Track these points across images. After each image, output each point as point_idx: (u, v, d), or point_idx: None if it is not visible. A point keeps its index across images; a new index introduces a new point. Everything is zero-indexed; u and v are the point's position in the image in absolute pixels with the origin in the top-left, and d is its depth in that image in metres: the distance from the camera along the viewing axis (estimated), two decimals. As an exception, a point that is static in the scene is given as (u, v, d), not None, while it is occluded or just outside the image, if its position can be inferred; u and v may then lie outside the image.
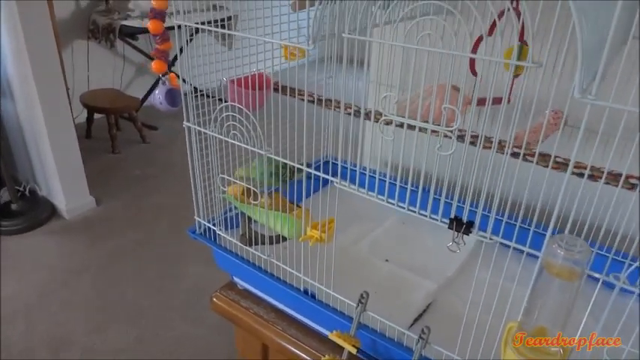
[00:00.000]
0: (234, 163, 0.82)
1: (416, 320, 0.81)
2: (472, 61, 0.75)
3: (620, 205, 0.57)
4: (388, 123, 0.59)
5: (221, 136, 0.77)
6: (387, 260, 0.97)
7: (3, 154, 2.46)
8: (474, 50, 0.70)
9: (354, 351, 0.70)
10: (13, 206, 2.50)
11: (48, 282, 2.16)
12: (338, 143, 0.67)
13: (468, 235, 0.56)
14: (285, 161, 0.73)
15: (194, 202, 0.92)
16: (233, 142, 0.76)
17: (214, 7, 0.72)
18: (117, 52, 3.61)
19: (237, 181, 0.82)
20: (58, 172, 2.48)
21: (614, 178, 0.58)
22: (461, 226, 0.56)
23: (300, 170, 0.73)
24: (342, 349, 0.72)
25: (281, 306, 0.92)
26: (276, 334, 0.91)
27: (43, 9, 2.20)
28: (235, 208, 0.91)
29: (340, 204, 0.89)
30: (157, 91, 0.81)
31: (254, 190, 0.81)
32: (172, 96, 0.82)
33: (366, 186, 0.66)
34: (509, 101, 0.60)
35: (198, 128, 0.81)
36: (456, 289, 0.89)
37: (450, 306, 0.85)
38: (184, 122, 0.83)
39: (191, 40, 0.80)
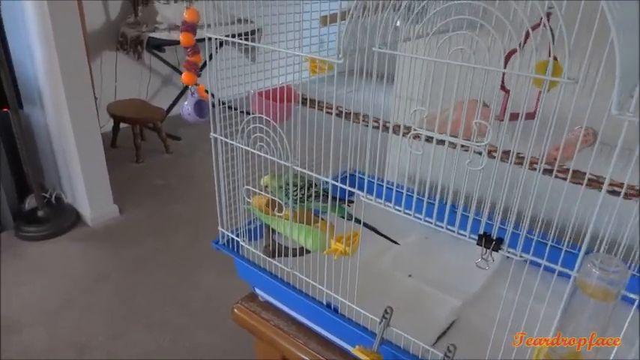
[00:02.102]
0: (259, 174, 0.83)
1: (439, 338, 0.80)
2: (502, 78, 0.75)
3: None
4: (416, 137, 0.59)
5: (248, 148, 0.77)
6: (410, 275, 0.96)
7: (31, 162, 2.52)
8: (505, 65, 0.70)
9: (376, 367, 0.69)
10: (39, 213, 2.55)
11: (71, 288, 2.19)
12: (364, 157, 0.67)
13: (497, 251, 0.55)
14: (310, 174, 0.73)
15: (218, 213, 0.92)
16: (259, 153, 0.76)
17: (239, 20, 0.73)
18: (144, 63, 3.69)
19: (262, 193, 0.82)
20: (83, 181, 2.53)
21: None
22: (490, 242, 0.55)
23: (317, 195, 0.73)
24: (364, 364, 0.71)
25: (302, 319, 0.92)
26: (296, 347, 0.90)
27: (75, 21, 2.27)
28: (258, 219, 0.91)
29: (362, 216, 0.89)
30: (185, 103, 0.82)
31: (278, 202, 0.81)
32: (201, 107, 0.83)
33: (393, 200, 0.66)
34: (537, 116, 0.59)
35: (225, 139, 0.82)
36: (481, 306, 0.87)
37: (474, 324, 0.83)
38: (211, 133, 0.84)
39: (216, 52, 0.82)
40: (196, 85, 0.83)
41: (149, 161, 3.31)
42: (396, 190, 1.02)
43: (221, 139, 0.84)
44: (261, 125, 0.74)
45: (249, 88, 0.84)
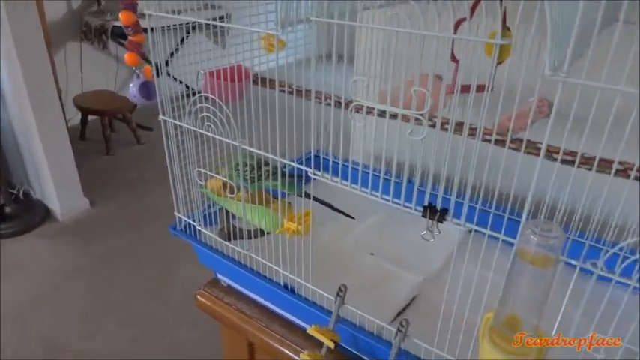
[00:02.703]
0: (210, 156, 0.80)
1: (399, 314, 0.79)
2: (452, 48, 0.74)
3: (596, 191, 0.54)
4: (358, 110, 0.57)
5: (195, 129, 0.75)
6: (372, 254, 0.95)
7: (-5, 158, 2.45)
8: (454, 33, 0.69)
9: (332, 345, 0.68)
10: (7, 209, 2.49)
11: (41, 285, 2.15)
12: (321, 136, 0.65)
13: (442, 222, 0.54)
14: (260, 153, 0.71)
15: (173, 198, 0.90)
16: (207, 134, 0.74)
17: (208, 5, 0.69)
18: (110, 53, 3.60)
19: (214, 175, 0.80)
20: (51, 175, 2.47)
21: (586, 161, 0.56)
22: (434, 213, 0.54)
23: (275, 172, 0.71)
24: (323, 344, 0.71)
25: (264, 302, 0.90)
26: (259, 330, 0.89)
27: (32, 12, 2.19)
28: (215, 203, 0.89)
29: (326, 198, 0.88)
30: (131, 85, 0.79)
31: (231, 184, 0.79)
32: (147, 89, 0.80)
33: (349, 179, 0.64)
34: (492, 89, 0.58)
35: (174, 122, 0.80)
36: (441, 282, 0.87)
37: (433, 299, 0.83)
38: (160, 116, 0.82)
39: (187, 37, 0.78)
40: (142, 65, 0.80)
41: (120, 153, 3.25)
42: (353, 169, 1.01)
43: (170, 122, 0.81)
44: (207, 105, 0.72)
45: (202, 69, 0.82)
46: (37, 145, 2.41)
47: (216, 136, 0.73)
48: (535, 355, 0.50)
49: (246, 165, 0.78)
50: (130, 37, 0.77)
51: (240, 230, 0.82)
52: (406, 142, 0.53)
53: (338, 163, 0.64)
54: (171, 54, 3.07)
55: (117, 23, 3.15)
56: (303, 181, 0.76)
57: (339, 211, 0.86)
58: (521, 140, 0.67)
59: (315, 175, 0.65)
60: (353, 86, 0.55)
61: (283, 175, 0.79)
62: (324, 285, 0.74)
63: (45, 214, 2.57)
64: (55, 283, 2.16)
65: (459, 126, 0.54)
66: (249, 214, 0.79)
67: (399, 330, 0.64)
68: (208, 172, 0.80)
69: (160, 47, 0.76)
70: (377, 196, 0.59)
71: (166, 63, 0.81)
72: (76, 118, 3.31)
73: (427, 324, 0.68)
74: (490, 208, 0.53)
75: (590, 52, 0.44)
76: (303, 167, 0.70)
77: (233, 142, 0.71)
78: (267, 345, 0.88)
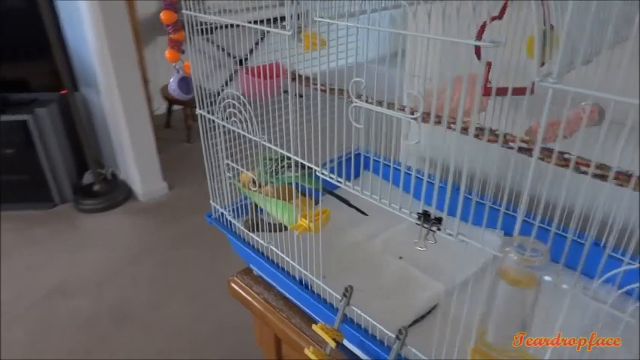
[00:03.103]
0: (242, 150, 0.83)
1: (416, 321, 0.78)
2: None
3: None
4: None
5: (224, 123, 0.78)
6: (400, 257, 0.94)
7: (89, 140, 2.70)
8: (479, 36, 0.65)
9: (333, 344, 0.68)
10: (95, 187, 2.74)
11: (119, 258, 2.35)
12: (369, 136, 0.64)
13: (438, 230, 0.52)
14: (278, 149, 0.73)
15: (209, 188, 0.94)
16: (232, 127, 0.77)
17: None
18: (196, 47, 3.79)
19: (241, 169, 0.83)
20: (134, 159, 2.68)
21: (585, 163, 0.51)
22: (429, 221, 0.52)
23: (290, 166, 0.72)
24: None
25: (289, 295, 0.92)
26: (282, 322, 0.91)
27: (122, 9, 2.38)
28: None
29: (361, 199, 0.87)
30: (171, 80, 0.84)
31: (255, 178, 0.82)
32: (186, 84, 0.85)
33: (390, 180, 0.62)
34: (532, 92, 0.55)
35: (208, 115, 0.84)
36: (464, 295, 0.83)
37: (454, 311, 0.79)
38: (197, 110, 0.86)
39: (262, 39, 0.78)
40: (181, 62, 0.85)
41: (200, 141, 3.43)
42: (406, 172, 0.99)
43: (206, 116, 0.85)
44: (232, 101, 0.75)
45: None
46: (123, 131, 2.63)
47: (239, 130, 0.75)
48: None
49: (271, 159, 0.80)
50: (170, 35, 0.82)
51: (265, 223, 0.85)
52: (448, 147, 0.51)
53: (389, 166, 0.63)
54: (251, 51, 3.19)
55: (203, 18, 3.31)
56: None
57: (354, 207, 0.86)
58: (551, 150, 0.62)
59: (344, 185, 0.64)
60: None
61: (302, 167, 0.79)
62: (347, 283, 0.74)
63: (128, 193, 2.80)
64: (131, 257, 2.35)
65: (485, 132, 0.51)
66: (273, 207, 0.81)
67: (397, 337, 0.63)
68: (236, 166, 0.83)
69: (195, 45, 0.80)
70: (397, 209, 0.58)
71: (245, 59, 0.83)
72: (162, 107, 3.55)
73: (442, 334, 0.66)
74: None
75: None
76: (311, 165, 0.70)
77: (254, 138, 0.73)
78: (287, 337, 0.90)
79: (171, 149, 3.25)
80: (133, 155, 2.67)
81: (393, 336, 0.64)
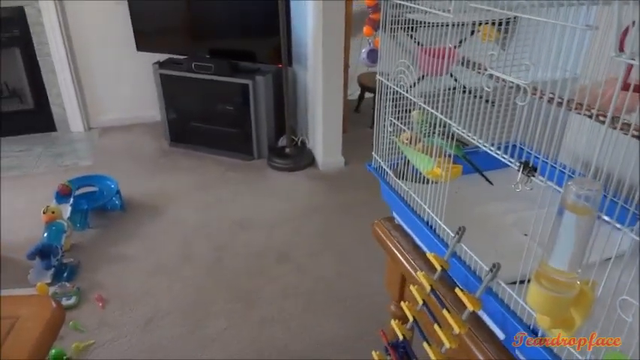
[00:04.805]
0: (404, 111, 1.03)
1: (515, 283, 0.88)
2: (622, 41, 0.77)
3: None
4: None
5: (392, 85, 0.99)
6: (525, 234, 1.03)
7: (290, 110, 3.17)
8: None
9: (439, 268, 0.84)
10: (287, 150, 3.22)
11: (293, 210, 2.76)
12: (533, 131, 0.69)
13: (532, 176, 0.65)
14: (434, 112, 0.91)
15: (374, 142, 1.17)
16: (399, 90, 0.97)
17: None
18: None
19: (402, 127, 1.03)
20: (322, 133, 3.07)
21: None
22: (527, 168, 0.65)
23: (445, 133, 0.88)
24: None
25: (419, 242, 1.10)
26: (410, 265, 1.09)
27: (341, 5, 2.75)
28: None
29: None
30: (363, 50, 1.08)
31: (416, 135, 1.01)
32: (374, 54, 1.08)
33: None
34: None
35: (382, 79, 1.05)
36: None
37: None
38: (377, 76, 1.09)
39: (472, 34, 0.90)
40: (374, 37, 1.08)
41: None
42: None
43: (382, 81, 1.07)
44: (403, 68, 0.95)
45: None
46: (318, 106, 3.03)
47: (404, 92, 0.95)
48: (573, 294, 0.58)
49: (427, 123, 0.98)
50: (370, 15, 1.05)
51: (412, 174, 1.04)
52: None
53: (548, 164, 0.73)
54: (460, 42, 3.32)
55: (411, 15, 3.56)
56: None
57: (482, 175, 0.98)
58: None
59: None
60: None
61: (452, 138, 0.96)
62: (471, 245, 0.86)
63: (311, 161, 3.22)
64: (301, 211, 2.74)
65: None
66: (418, 160, 0.99)
67: (490, 270, 0.76)
68: (398, 123, 1.03)
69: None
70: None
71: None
72: (355, 93, 3.92)
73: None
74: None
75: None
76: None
77: (413, 99, 0.93)
78: (410, 275, 1.08)
79: (355, 131, 3.60)
80: (322, 129, 3.07)
81: (486, 268, 0.78)
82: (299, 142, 3.32)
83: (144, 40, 3.28)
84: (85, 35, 3.54)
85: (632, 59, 0.55)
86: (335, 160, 3.20)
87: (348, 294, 2.15)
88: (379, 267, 2.30)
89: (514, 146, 1.23)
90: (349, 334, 1.95)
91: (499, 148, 0.80)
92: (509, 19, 0.81)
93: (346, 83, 3.36)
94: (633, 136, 0.62)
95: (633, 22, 0.72)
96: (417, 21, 0.98)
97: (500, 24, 0.80)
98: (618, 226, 0.55)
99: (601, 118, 0.60)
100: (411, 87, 0.94)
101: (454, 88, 0.91)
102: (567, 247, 0.58)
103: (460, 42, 0.90)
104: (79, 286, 2.17)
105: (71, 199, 2.50)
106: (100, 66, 3.66)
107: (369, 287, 2.18)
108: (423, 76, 0.99)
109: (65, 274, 2.22)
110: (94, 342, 1.91)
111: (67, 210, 2.44)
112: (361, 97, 3.90)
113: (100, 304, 2.08)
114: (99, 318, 2.02)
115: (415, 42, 1.07)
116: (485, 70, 0.73)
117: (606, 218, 0.56)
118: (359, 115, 3.93)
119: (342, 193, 2.93)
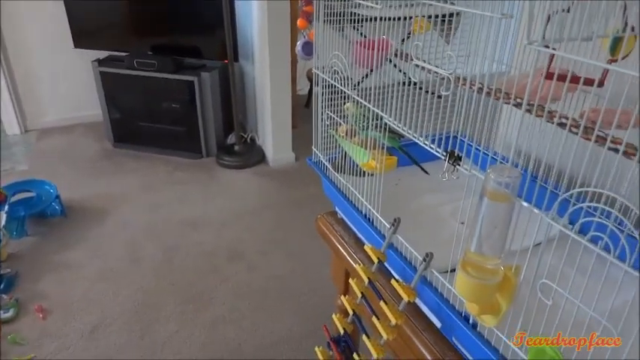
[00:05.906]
0: (339, 105, 1.03)
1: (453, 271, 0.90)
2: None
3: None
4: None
5: (327, 78, 0.99)
6: (462, 223, 1.05)
7: (238, 106, 3.12)
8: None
9: (376, 260, 0.85)
10: (236, 147, 3.17)
11: (243, 207, 2.72)
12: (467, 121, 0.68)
13: (458, 165, 0.66)
14: (367, 104, 0.90)
15: (313, 136, 1.16)
16: (334, 83, 0.97)
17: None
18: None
19: (340, 120, 1.03)
20: (271, 129, 3.04)
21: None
22: (453, 157, 0.66)
23: (376, 126, 0.89)
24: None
25: (360, 235, 1.10)
26: (351, 258, 1.10)
27: (285, 5, 2.73)
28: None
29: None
30: (298, 42, 1.07)
31: (352, 128, 1.00)
32: (308, 47, 1.07)
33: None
34: (602, 84, 0.63)
35: (318, 72, 1.05)
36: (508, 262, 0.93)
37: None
38: (313, 69, 1.07)
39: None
40: (309, 29, 1.07)
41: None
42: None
43: (318, 74, 1.06)
44: (337, 61, 0.94)
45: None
46: (267, 102, 3.00)
47: (338, 85, 0.95)
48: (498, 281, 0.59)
49: (363, 116, 0.98)
50: (303, 8, 1.04)
51: (349, 167, 1.03)
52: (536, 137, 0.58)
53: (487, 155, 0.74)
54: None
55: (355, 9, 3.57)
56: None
57: (418, 165, 0.99)
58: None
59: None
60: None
61: (387, 130, 0.96)
62: (410, 236, 0.86)
63: (261, 157, 3.19)
64: (252, 209, 2.71)
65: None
66: (354, 152, 0.99)
67: (424, 259, 0.77)
68: (334, 116, 1.03)
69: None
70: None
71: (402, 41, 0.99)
72: (305, 88, 3.91)
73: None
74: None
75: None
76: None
77: (347, 91, 0.92)
78: (352, 268, 1.08)
79: (305, 126, 3.59)
80: (271, 125, 3.04)
81: (420, 258, 0.78)
82: (248, 139, 3.28)
83: (81, 37, 3.14)
84: (21, 35, 3.35)
85: (547, 46, 0.57)
86: (285, 156, 3.17)
87: (301, 290, 2.15)
88: (330, 261, 2.32)
89: (455, 137, 1.26)
90: (303, 331, 1.94)
91: (434, 140, 0.81)
92: (452, 13, 0.83)
93: (295, 78, 3.34)
94: (559, 124, 0.64)
95: (555, 12, 0.75)
96: (360, 14, 0.98)
97: (444, 17, 0.81)
98: (536, 210, 0.56)
99: (527, 107, 0.61)
100: (358, 81, 0.93)
101: (404, 83, 0.91)
102: (489, 233, 0.59)
103: (408, 35, 0.90)
104: (17, 297, 2.06)
105: (6, 207, 2.37)
106: (38, 66, 3.48)
107: (321, 282, 2.18)
108: (371, 71, 0.98)
109: (2, 286, 2.10)
110: (35, 355, 1.81)
111: (2, 218, 2.31)
112: (311, 92, 3.89)
113: (41, 315, 1.98)
114: (40, 329, 1.92)
115: (362, 36, 1.07)
116: (412, 60, 0.73)
117: (525, 204, 0.57)
118: (309, 110, 3.92)
119: (293, 189, 2.91)
